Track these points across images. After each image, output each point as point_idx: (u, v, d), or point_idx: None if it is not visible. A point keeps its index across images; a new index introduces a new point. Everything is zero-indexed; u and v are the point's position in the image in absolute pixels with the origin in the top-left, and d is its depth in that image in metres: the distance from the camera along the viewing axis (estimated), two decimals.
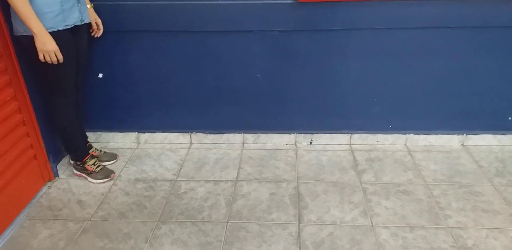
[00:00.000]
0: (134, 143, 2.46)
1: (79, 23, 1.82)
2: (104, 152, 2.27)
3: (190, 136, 2.45)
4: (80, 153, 2.09)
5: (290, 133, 2.43)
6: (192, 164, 2.23)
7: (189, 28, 2.13)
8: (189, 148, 2.40)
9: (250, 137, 2.43)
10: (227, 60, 2.23)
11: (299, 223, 1.77)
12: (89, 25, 1.99)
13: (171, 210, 1.86)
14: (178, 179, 2.10)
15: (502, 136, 2.33)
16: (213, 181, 2.08)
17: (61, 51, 1.74)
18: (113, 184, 2.06)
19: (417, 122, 2.36)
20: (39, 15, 1.66)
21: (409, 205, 1.87)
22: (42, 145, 1.98)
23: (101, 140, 2.47)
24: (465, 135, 2.35)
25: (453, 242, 1.64)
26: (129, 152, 2.36)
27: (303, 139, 2.44)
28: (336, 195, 1.95)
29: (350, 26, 2.10)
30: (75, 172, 2.13)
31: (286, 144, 2.43)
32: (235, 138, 2.43)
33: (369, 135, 2.40)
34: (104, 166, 2.16)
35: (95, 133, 2.46)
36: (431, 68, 2.20)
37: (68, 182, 2.09)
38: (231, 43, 2.17)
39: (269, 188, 2.02)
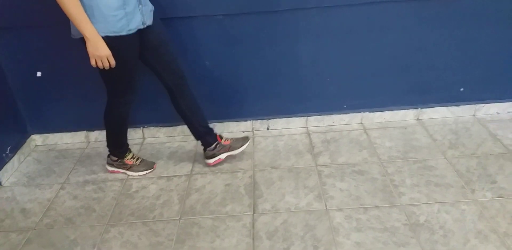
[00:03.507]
0: (84, 142, 2.35)
1: (142, 27, 1.68)
2: (235, 139, 2.12)
3: (142, 130, 2.36)
4: (124, 149, 2.02)
5: (246, 120, 2.37)
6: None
7: None
8: (142, 143, 2.31)
9: None
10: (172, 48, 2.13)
11: (253, 213, 1.73)
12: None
13: (121, 211, 1.80)
14: (129, 177, 2.02)
15: (455, 107, 2.34)
16: (166, 177, 2.01)
17: (122, 55, 1.66)
18: (61, 188, 1.97)
19: (371, 100, 2.33)
20: (102, 18, 1.57)
21: (364, 185, 1.86)
22: None
23: (48, 142, 2.35)
24: (419, 109, 2.34)
25: (406, 220, 1.64)
26: (79, 152, 2.26)
27: (259, 125, 2.39)
28: (291, 181, 1.92)
29: (296, 6, 2.02)
30: (110, 169, 2.06)
31: (243, 132, 2.38)
32: None
33: (324, 116, 2.37)
34: (143, 158, 2.10)
35: (42, 135, 2.35)
36: (381, 44, 2.16)
37: (12, 190, 1.98)
38: (174, 30, 2.07)
39: (224, 179, 1.97)
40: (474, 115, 2.35)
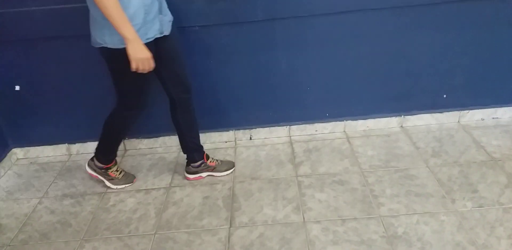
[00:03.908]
0: (65, 155, 2.34)
1: (159, 36, 1.67)
2: (221, 161, 2.12)
3: (124, 142, 2.34)
4: (111, 158, 2.00)
5: (228, 130, 2.35)
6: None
7: None
8: (123, 156, 2.30)
9: None
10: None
11: (230, 227, 1.71)
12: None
13: (97, 225, 1.78)
14: (108, 191, 2.00)
15: (439, 114, 2.31)
16: (144, 189, 1.99)
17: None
18: (39, 203, 1.95)
19: (353, 108, 2.31)
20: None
21: (343, 196, 1.83)
22: None
23: (29, 155, 2.34)
24: (402, 116, 2.31)
25: (383, 232, 1.61)
26: (60, 165, 2.24)
27: (242, 135, 2.36)
28: (271, 192, 1.89)
29: (272, 15, 2.01)
30: (90, 171, 2.03)
31: (226, 142, 2.36)
32: (172, 141, 2.34)
33: (307, 125, 2.34)
34: (125, 171, 2.08)
35: (23, 149, 2.34)
36: (361, 52, 2.14)
37: None
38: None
39: (203, 191, 1.95)
40: (459, 122, 2.32)
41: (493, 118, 2.31)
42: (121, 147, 2.34)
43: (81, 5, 1.64)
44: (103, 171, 2.01)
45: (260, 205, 1.82)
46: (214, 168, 2.04)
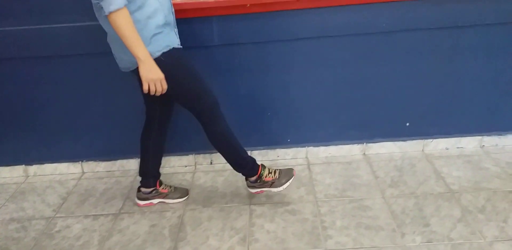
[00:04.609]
0: (22, 176, 2.30)
1: (177, 47, 1.68)
2: (175, 188, 2.05)
3: (81, 165, 2.31)
4: (250, 160, 1.88)
5: (188, 154, 2.32)
6: (77, 196, 2.09)
7: (59, 52, 2.02)
8: (80, 178, 2.26)
9: None
10: (109, 84, 2.11)
11: None
12: None
13: None
14: (56, 215, 1.95)
15: (403, 142, 2.27)
16: (93, 215, 1.94)
17: (187, 63, 1.68)
18: None
19: (316, 134, 2.28)
20: (153, 38, 1.56)
21: (292, 227, 1.78)
22: None
23: None
24: (365, 143, 2.28)
25: None
26: (14, 187, 2.20)
27: (203, 159, 2.33)
28: (220, 221, 1.84)
29: (230, 41, 2.00)
30: (254, 191, 1.91)
31: (185, 166, 2.32)
32: (130, 164, 2.30)
33: (269, 151, 2.31)
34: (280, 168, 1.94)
35: None
36: (322, 79, 2.13)
37: None
38: (107, 66, 2.04)
39: (151, 219, 1.90)
40: (423, 150, 2.28)
41: (458, 148, 2.28)
42: (78, 169, 2.32)
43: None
44: (259, 181, 1.87)
45: (206, 235, 1.76)
46: (166, 195, 1.99)
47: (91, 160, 2.29)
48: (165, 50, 1.60)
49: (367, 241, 1.67)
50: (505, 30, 2.01)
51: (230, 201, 1.98)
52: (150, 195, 1.97)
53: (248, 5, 1.84)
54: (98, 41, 1.88)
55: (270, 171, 1.90)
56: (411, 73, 2.11)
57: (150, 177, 1.98)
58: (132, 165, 2.29)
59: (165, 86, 1.59)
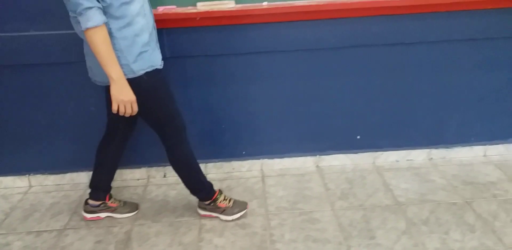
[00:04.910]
0: None
1: (159, 67, 1.65)
2: (124, 202, 2.00)
3: (28, 178, 2.23)
4: (208, 187, 1.89)
5: (141, 167, 2.28)
6: (22, 212, 2.01)
7: (4, 62, 1.96)
8: (26, 192, 2.17)
9: None
10: (57, 93, 2.06)
11: None
12: None
13: None
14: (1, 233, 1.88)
15: (354, 154, 2.32)
16: (36, 232, 1.87)
17: (167, 86, 1.69)
18: None
19: (269, 147, 2.29)
20: (139, 56, 1.54)
21: (241, 241, 1.77)
22: None
23: None
24: (318, 156, 2.32)
25: None
26: None
27: (155, 172, 2.29)
28: (168, 237, 1.81)
29: (180, 53, 2.00)
30: (202, 213, 1.92)
31: (138, 179, 2.28)
32: (80, 177, 2.24)
33: (224, 163, 2.30)
34: (237, 200, 1.94)
35: None
36: (274, 92, 2.15)
37: None
38: (55, 76, 2.01)
39: (97, 235, 1.84)
40: (374, 163, 2.33)
41: (407, 160, 2.34)
42: (25, 183, 2.24)
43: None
44: (212, 205, 1.88)
45: None
46: (115, 209, 1.94)
47: (39, 173, 2.22)
48: (148, 69, 1.59)
49: None
50: (450, 47, 2.10)
51: (180, 215, 1.95)
52: (98, 208, 1.92)
53: (198, 18, 1.85)
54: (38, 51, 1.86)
55: (226, 198, 1.92)
56: (362, 87, 2.17)
57: (100, 190, 1.93)
58: (83, 178, 2.23)
59: (135, 108, 1.57)
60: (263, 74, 2.10)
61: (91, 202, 1.92)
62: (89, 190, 1.95)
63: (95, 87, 2.03)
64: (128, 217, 1.94)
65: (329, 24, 1.99)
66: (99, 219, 1.93)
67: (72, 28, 1.79)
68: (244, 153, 2.29)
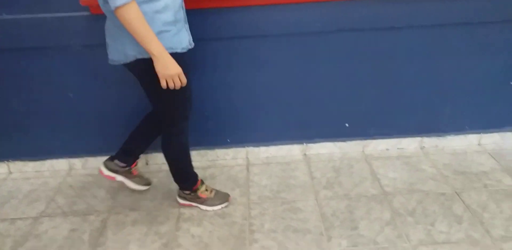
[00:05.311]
0: None
1: (190, 47, 1.56)
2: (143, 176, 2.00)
3: (7, 165, 2.18)
4: (193, 180, 1.85)
5: None
6: None
7: None
8: (5, 179, 2.13)
9: (77, 162, 2.20)
10: (32, 81, 1.97)
11: None
12: None
13: None
14: None
15: (343, 143, 2.25)
16: (10, 219, 1.83)
17: (186, 73, 1.52)
18: None
19: (255, 134, 2.22)
20: (158, 35, 1.41)
21: (219, 231, 1.72)
22: None
23: None
24: (305, 144, 2.25)
25: None
26: None
27: (138, 160, 2.24)
28: (144, 226, 1.76)
29: None
30: (182, 202, 1.89)
31: (120, 167, 2.23)
32: (60, 164, 2.19)
33: (208, 151, 2.24)
34: (216, 189, 1.91)
35: None
36: (260, 79, 2.06)
37: None
38: (30, 62, 1.93)
39: (73, 223, 1.80)
40: (363, 151, 2.26)
41: (398, 148, 2.27)
42: (4, 169, 2.19)
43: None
44: (192, 195, 1.85)
45: (127, 241, 1.68)
46: (134, 177, 1.92)
47: (18, 160, 2.17)
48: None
49: (293, 245, 1.62)
50: (442, 32, 2.00)
51: (159, 204, 1.90)
52: (121, 169, 1.87)
53: None
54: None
55: (207, 188, 1.88)
56: (350, 74, 2.07)
57: (132, 155, 1.90)
58: (63, 165, 2.18)
59: (184, 80, 1.50)
60: (247, 60, 2.00)
61: (117, 161, 1.88)
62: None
63: (73, 73, 2.00)
64: (139, 189, 1.95)
65: (314, 7, 1.88)
66: (112, 179, 1.89)
67: (46, 11, 1.73)
68: (228, 140, 2.22)
